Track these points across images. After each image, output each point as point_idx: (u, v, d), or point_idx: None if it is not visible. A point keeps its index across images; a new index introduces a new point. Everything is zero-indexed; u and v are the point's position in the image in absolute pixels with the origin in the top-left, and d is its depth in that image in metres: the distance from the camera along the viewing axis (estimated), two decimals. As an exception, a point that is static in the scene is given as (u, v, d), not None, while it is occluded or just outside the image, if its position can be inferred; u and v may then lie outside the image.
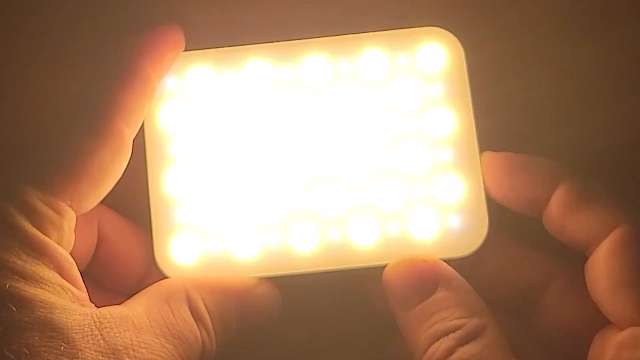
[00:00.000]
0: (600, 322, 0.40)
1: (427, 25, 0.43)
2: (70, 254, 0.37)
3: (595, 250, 0.39)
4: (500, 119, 0.44)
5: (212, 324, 0.39)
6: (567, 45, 0.45)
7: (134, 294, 0.40)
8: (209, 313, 0.39)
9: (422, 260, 0.40)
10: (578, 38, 0.45)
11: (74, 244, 0.38)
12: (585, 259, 0.40)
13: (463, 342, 0.37)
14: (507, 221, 0.42)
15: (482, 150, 0.42)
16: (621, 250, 0.38)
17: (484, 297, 0.40)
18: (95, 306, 0.36)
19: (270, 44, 0.43)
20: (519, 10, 0.45)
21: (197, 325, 0.38)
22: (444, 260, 0.41)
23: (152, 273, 0.43)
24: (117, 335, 0.35)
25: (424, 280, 0.39)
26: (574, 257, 0.41)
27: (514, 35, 0.45)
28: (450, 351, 0.37)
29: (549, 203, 0.40)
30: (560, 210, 0.40)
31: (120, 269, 0.43)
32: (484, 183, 0.42)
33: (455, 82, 0.43)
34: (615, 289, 0.38)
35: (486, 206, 0.42)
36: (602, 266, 0.39)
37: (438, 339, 0.38)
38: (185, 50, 0.43)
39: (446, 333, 0.37)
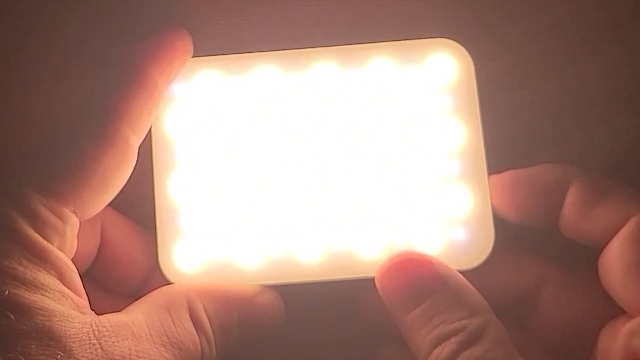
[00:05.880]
0: (600, 317, 0.40)
1: (437, 37, 0.43)
2: (72, 257, 0.37)
3: (611, 240, 0.39)
4: (508, 131, 0.44)
5: (213, 332, 0.39)
6: (575, 58, 0.45)
7: (136, 296, 0.40)
8: (210, 321, 0.39)
9: (416, 261, 0.40)
10: (585, 51, 0.45)
11: (76, 246, 0.38)
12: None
13: (466, 345, 0.36)
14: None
15: (489, 162, 0.42)
16: (636, 236, 0.38)
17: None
18: (96, 309, 0.37)
19: (279, 51, 0.43)
20: (527, 23, 0.45)
21: (198, 333, 0.38)
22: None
23: (155, 275, 0.43)
24: (116, 344, 0.35)
25: (420, 283, 0.39)
26: (564, 259, 0.41)
27: (522, 48, 0.45)
28: (454, 355, 0.36)
29: (563, 207, 0.40)
30: (576, 211, 0.40)
31: (122, 271, 0.43)
32: (492, 205, 0.42)
33: (464, 94, 0.42)
34: (628, 274, 0.38)
35: (492, 219, 0.42)
36: (616, 253, 0.39)
37: (440, 343, 0.37)
38: (193, 57, 0.43)
39: (448, 337, 0.37)
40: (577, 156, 0.44)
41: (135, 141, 0.39)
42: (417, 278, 0.39)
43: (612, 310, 0.40)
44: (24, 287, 0.34)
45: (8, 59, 0.45)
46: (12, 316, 0.33)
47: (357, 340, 0.44)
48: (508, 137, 0.44)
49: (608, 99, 0.45)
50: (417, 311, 0.38)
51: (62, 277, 0.36)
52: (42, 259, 0.35)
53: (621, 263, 0.38)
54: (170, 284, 0.42)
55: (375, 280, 0.40)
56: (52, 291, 0.35)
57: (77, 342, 0.34)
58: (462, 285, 0.39)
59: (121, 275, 0.43)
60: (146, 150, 0.42)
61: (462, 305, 0.38)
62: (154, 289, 0.40)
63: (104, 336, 0.35)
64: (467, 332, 0.37)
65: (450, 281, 0.39)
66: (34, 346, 0.32)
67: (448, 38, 0.43)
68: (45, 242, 0.36)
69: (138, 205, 0.43)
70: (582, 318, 0.41)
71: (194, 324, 0.38)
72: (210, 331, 0.39)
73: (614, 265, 0.39)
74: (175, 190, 0.43)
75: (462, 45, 0.42)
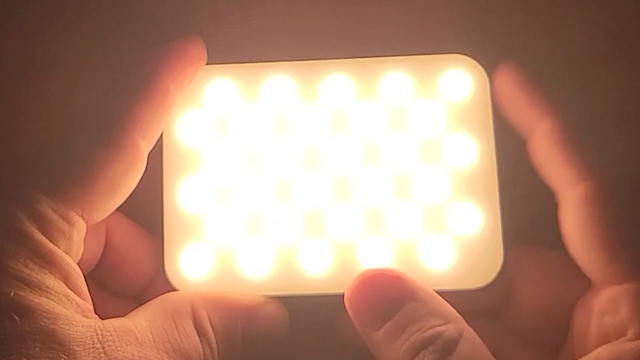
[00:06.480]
0: (571, 296, 0.40)
1: (452, 52, 0.43)
2: (78, 260, 0.37)
3: (565, 200, 0.39)
4: (522, 147, 0.44)
5: (216, 341, 0.39)
6: (588, 73, 0.45)
7: (140, 299, 0.40)
8: (213, 329, 0.39)
9: (384, 276, 0.39)
10: (598, 67, 0.45)
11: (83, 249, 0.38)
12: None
13: (445, 354, 0.36)
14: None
15: (501, 180, 0.42)
16: (589, 204, 0.38)
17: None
18: (98, 311, 0.37)
19: (293, 62, 0.43)
20: (544, 39, 0.45)
21: (201, 341, 0.38)
22: (457, 291, 0.40)
23: (159, 279, 0.43)
24: (119, 349, 0.35)
25: (389, 296, 0.38)
26: (530, 244, 0.42)
27: (537, 64, 0.44)
28: None
29: (534, 133, 0.40)
30: (540, 144, 0.40)
31: (126, 273, 0.43)
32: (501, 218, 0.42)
33: (479, 111, 0.42)
34: (586, 245, 0.38)
35: (502, 238, 0.41)
36: (572, 220, 0.39)
37: (418, 353, 0.36)
38: (207, 64, 0.43)
39: (425, 345, 0.36)
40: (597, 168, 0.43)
41: (145, 147, 0.39)
42: (385, 292, 0.38)
43: (581, 286, 0.40)
44: (29, 289, 0.34)
45: (20, 63, 0.45)
46: (17, 318, 0.33)
47: (360, 355, 0.44)
48: (522, 152, 0.43)
49: (621, 113, 0.45)
50: (389, 324, 0.38)
51: (67, 281, 0.36)
52: (48, 262, 0.35)
53: (577, 233, 0.38)
54: (175, 290, 0.41)
55: (345, 302, 0.39)
56: (57, 294, 0.35)
57: (81, 346, 0.34)
58: (433, 296, 0.38)
59: (125, 278, 0.43)
60: (154, 156, 0.42)
61: (434, 313, 0.38)
62: (158, 293, 0.40)
63: (107, 340, 0.35)
64: (443, 339, 0.36)
65: (419, 292, 0.38)
66: (37, 348, 0.32)
67: (463, 54, 0.43)
68: (52, 245, 0.36)
69: (144, 210, 0.43)
70: (554, 301, 0.41)
71: (197, 332, 0.38)
72: (213, 340, 0.39)
73: (571, 234, 0.39)
74: (184, 198, 0.43)
75: (477, 61, 0.42)
